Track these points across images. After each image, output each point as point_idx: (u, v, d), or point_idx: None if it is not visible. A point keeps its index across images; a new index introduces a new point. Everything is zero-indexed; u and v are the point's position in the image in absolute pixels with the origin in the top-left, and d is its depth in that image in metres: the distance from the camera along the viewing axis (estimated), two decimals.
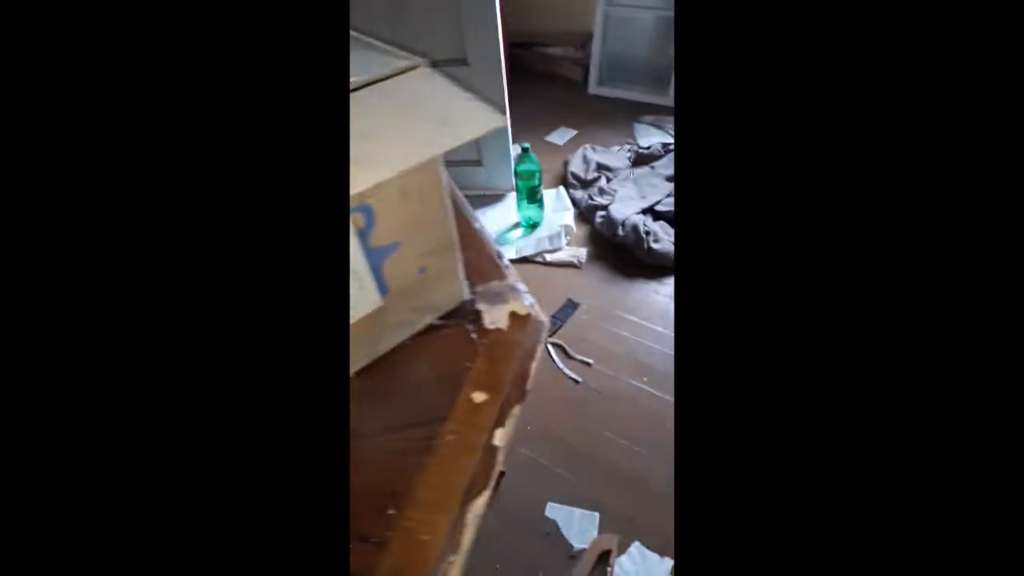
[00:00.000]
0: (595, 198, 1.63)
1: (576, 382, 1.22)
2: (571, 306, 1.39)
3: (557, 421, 1.16)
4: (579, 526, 1.00)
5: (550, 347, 1.29)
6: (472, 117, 0.30)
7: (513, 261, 1.54)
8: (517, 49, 2.39)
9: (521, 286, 0.54)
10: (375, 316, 0.43)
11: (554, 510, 1.02)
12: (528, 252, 1.55)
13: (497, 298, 0.51)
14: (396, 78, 0.31)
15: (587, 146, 1.86)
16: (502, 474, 1.06)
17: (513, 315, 0.49)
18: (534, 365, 0.47)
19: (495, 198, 1.75)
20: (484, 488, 0.39)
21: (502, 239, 1.60)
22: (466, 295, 0.51)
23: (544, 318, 0.51)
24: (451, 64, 1.45)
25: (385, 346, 0.46)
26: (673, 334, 1.31)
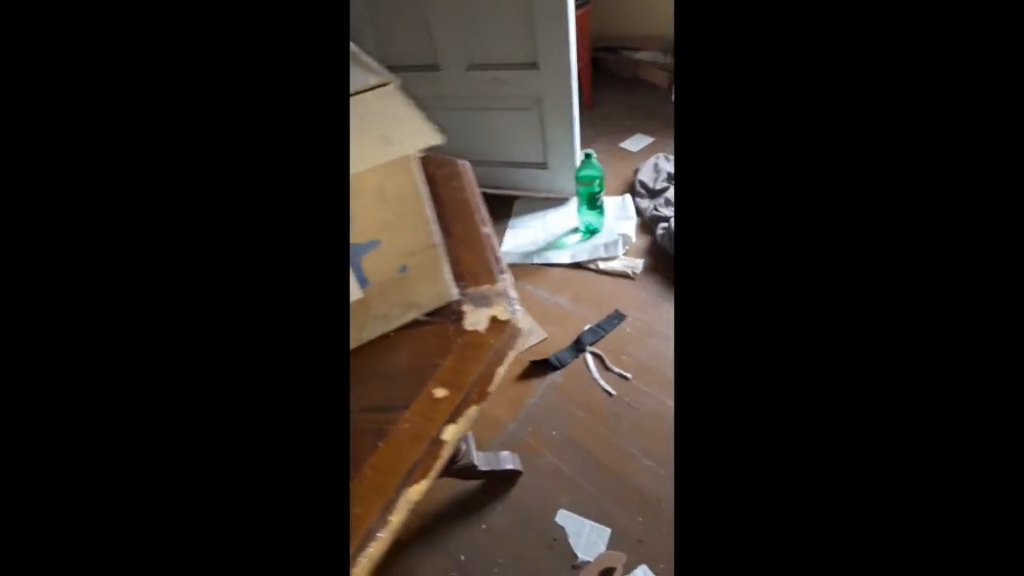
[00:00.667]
0: (660, 209, 1.58)
1: (610, 394, 1.21)
2: (617, 317, 1.37)
3: (584, 431, 1.15)
4: (588, 539, 0.99)
5: (588, 356, 1.29)
6: (414, 135, 0.32)
7: (567, 266, 1.54)
8: (603, 53, 2.36)
9: (512, 293, 0.55)
10: (357, 307, 0.47)
11: (565, 518, 1.02)
12: (582, 258, 1.54)
13: (483, 301, 0.53)
14: (362, 95, 0.35)
15: (660, 155, 1.80)
16: (518, 474, 1.08)
17: (493, 319, 0.51)
18: (501, 370, 0.48)
19: (558, 201, 1.75)
20: (423, 477, 0.41)
21: (558, 243, 1.61)
22: (453, 296, 0.53)
23: (524, 325, 0.52)
24: (521, 68, 1.49)
25: (368, 335, 0.50)
26: None
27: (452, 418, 0.44)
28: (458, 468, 0.96)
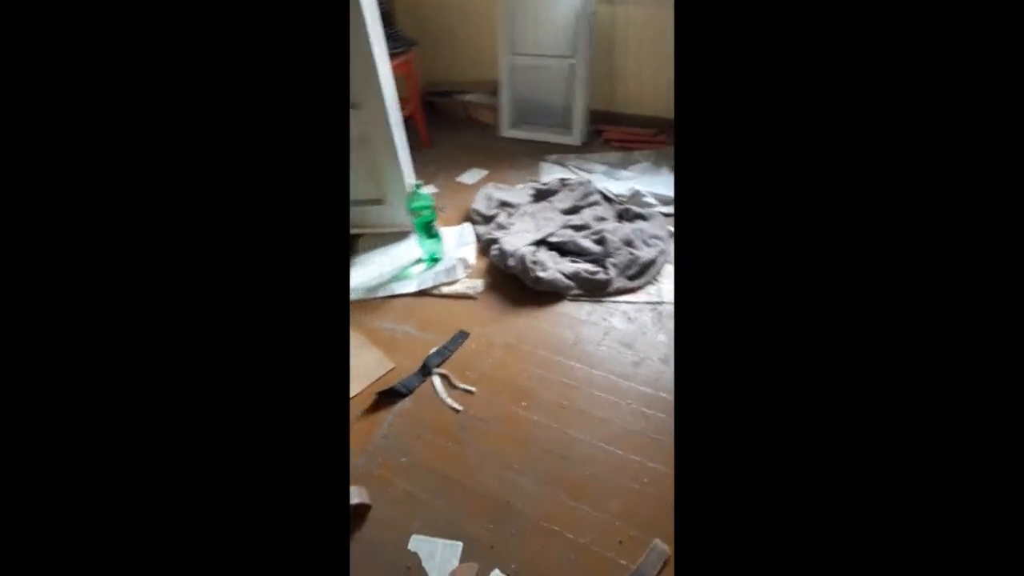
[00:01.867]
0: (493, 232, 1.69)
1: (456, 411, 1.23)
2: (461, 336, 1.41)
3: (434, 452, 1.15)
4: (441, 557, 0.98)
5: (435, 377, 1.30)
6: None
7: (412, 295, 1.56)
8: (435, 97, 2.51)
9: None
10: None
11: (417, 543, 1.00)
12: (427, 285, 1.58)
13: None
14: None
15: (491, 184, 1.94)
16: (368, 508, 1.04)
17: None
18: None
19: (400, 235, 1.79)
20: None
21: (403, 274, 1.63)
22: None
23: None
24: None
25: None
26: (554, 357, 1.33)
27: None
28: None
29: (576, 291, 1.49)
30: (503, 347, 1.38)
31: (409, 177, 1.69)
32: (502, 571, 0.95)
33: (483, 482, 1.09)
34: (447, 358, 1.36)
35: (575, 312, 1.46)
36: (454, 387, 1.28)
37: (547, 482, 1.07)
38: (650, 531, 0.97)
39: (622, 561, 0.94)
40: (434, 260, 1.65)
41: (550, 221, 1.70)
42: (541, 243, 1.60)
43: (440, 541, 1.00)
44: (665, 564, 0.92)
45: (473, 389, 1.27)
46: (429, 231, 1.60)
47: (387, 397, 1.26)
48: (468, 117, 2.52)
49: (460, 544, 0.99)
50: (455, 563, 0.97)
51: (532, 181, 1.98)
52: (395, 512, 1.05)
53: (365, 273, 1.65)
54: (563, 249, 1.58)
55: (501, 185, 1.95)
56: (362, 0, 1.33)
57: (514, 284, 1.55)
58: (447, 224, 1.82)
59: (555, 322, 1.43)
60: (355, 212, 1.78)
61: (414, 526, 1.02)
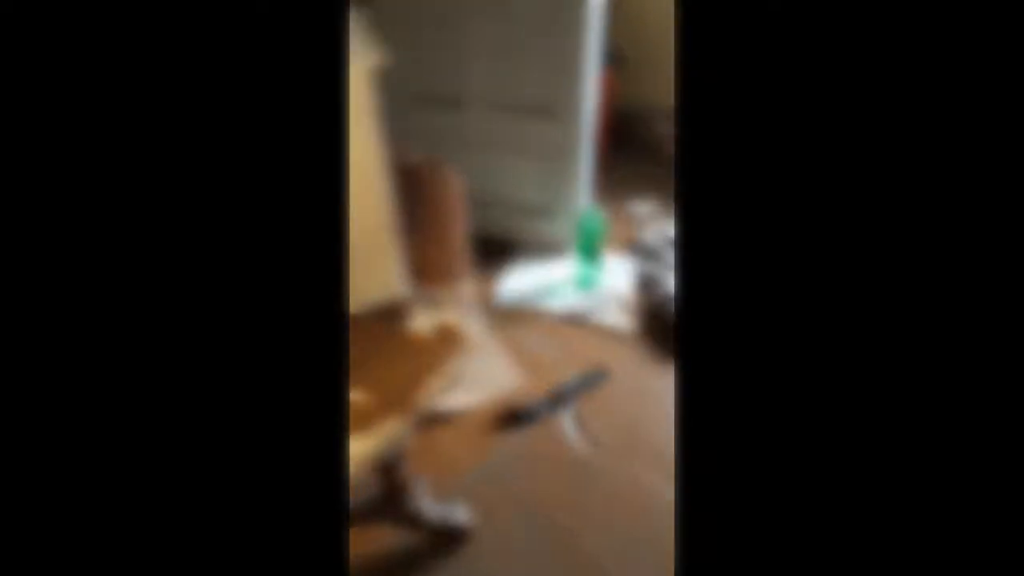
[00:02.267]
0: (657, 271, 1.54)
1: (580, 455, 1.11)
2: (600, 375, 1.29)
3: (547, 493, 1.04)
4: None
5: (566, 412, 1.20)
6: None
7: (558, 317, 1.48)
8: (627, 119, 2.42)
9: (471, 301, 0.49)
10: None
11: None
12: (575, 310, 1.48)
13: (434, 304, 0.47)
14: None
15: (665, 220, 1.79)
16: (467, 534, 0.97)
17: (440, 325, 0.45)
18: (438, 382, 0.41)
19: (561, 251, 1.72)
20: None
21: (554, 292, 1.56)
22: (400, 292, 0.47)
23: (475, 332, 0.45)
24: (539, 113, 1.51)
25: None
26: None
27: (360, 427, 0.37)
28: (402, 512, 0.85)
29: None
30: (645, 400, 1.22)
31: (585, 196, 1.62)
32: None
33: (592, 547, 0.95)
34: (582, 394, 1.24)
35: None
36: (583, 428, 1.16)
37: None
38: None
39: None
40: (588, 285, 1.56)
41: None
42: None
43: None
44: None
45: (604, 439, 1.14)
46: (591, 255, 1.50)
47: (513, 416, 1.19)
48: (654, 145, 2.39)
49: None
50: None
51: None
52: (492, 543, 0.96)
53: (517, 282, 1.61)
54: None
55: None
56: (590, 8, 1.29)
57: (669, 332, 1.38)
58: (609, 251, 1.71)
59: None
60: (521, 219, 1.76)
61: (509, 566, 0.92)
